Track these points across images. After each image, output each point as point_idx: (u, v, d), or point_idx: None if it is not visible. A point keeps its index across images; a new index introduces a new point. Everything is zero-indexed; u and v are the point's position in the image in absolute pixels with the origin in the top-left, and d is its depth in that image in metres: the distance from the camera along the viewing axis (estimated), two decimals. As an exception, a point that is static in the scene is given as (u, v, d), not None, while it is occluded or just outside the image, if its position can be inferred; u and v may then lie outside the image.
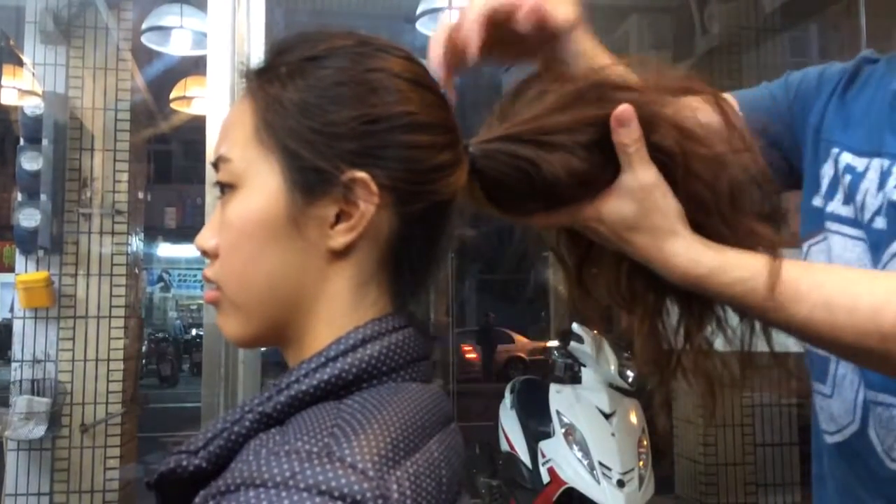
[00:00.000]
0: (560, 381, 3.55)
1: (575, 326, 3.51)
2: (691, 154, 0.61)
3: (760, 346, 0.64)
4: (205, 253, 0.61)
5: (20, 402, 3.45)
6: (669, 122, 0.62)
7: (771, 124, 0.94)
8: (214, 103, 1.81)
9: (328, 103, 0.56)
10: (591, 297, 0.72)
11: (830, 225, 0.89)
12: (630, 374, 3.34)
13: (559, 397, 3.36)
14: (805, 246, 0.94)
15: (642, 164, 0.61)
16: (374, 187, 0.55)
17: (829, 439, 0.92)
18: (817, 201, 0.92)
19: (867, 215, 0.84)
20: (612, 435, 3.12)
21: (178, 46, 3.89)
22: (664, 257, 0.62)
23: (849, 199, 0.87)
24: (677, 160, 0.62)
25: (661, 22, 4.65)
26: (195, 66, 4.13)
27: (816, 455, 0.98)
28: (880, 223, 0.82)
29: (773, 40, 4.47)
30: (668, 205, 0.62)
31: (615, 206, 0.63)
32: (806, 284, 0.61)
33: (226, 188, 0.59)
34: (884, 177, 0.82)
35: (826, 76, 0.95)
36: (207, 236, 0.60)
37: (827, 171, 0.90)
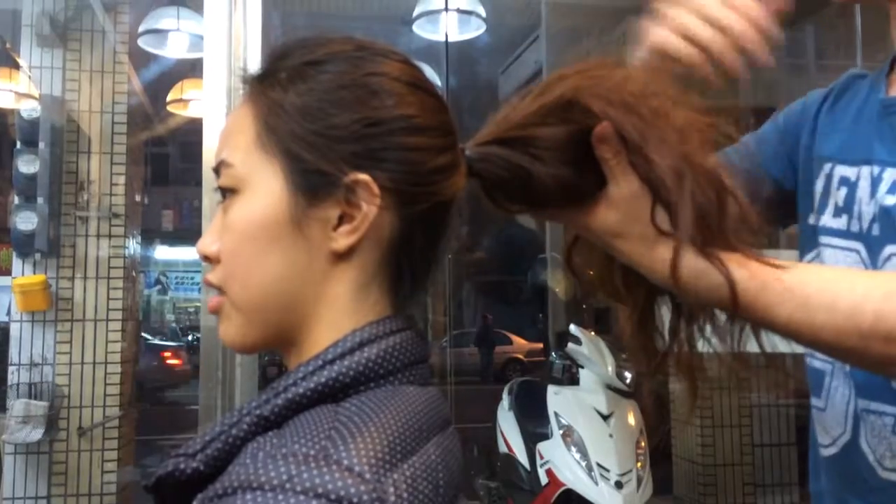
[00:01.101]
0: (558, 382, 3.55)
1: (572, 328, 3.51)
2: (672, 163, 0.62)
3: (751, 346, 0.64)
4: (206, 258, 0.61)
5: (17, 406, 3.44)
6: (650, 132, 0.62)
7: (768, 163, 0.97)
8: (211, 106, 1.81)
9: (330, 106, 0.57)
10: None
11: (822, 238, 0.90)
12: (628, 375, 3.34)
13: (557, 399, 3.36)
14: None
15: (624, 176, 0.62)
16: (375, 189, 0.56)
17: (825, 452, 0.93)
18: (812, 219, 0.93)
19: (865, 224, 0.84)
20: (610, 436, 3.12)
21: (174, 49, 3.89)
22: (649, 263, 0.63)
23: (841, 210, 0.88)
24: (659, 169, 0.62)
25: (657, 23, 4.64)
26: (192, 68, 4.13)
27: (814, 471, 0.98)
28: (876, 230, 0.83)
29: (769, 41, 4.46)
30: (650, 213, 0.63)
31: (601, 215, 0.64)
32: (787, 284, 0.61)
33: (227, 193, 0.59)
34: (874, 183, 0.83)
35: (809, 101, 0.98)
36: (209, 241, 0.61)
37: (819, 187, 0.91)
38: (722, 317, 0.64)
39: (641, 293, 0.68)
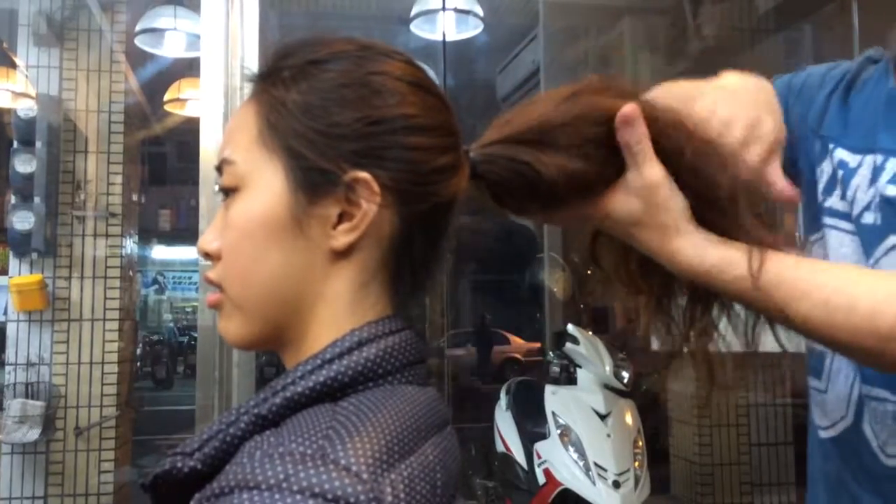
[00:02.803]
0: (555, 382, 3.55)
1: (570, 327, 3.51)
2: (695, 152, 0.62)
3: (763, 346, 0.65)
4: (207, 255, 0.61)
5: (14, 406, 3.44)
6: (672, 121, 0.63)
7: None
8: (208, 105, 1.81)
9: (331, 105, 0.57)
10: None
11: (827, 220, 0.90)
12: (625, 374, 3.34)
13: (554, 398, 3.35)
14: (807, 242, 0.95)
15: (647, 163, 0.62)
16: (376, 187, 0.56)
17: (823, 434, 0.93)
18: (817, 198, 0.93)
19: (856, 210, 0.85)
20: (608, 436, 3.12)
21: (171, 48, 3.89)
22: (669, 253, 0.63)
23: (843, 194, 0.88)
24: (682, 158, 0.62)
25: (654, 23, 4.65)
26: (189, 68, 4.13)
27: (811, 452, 0.98)
28: (869, 218, 0.83)
29: (767, 41, 4.47)
30: (673, 202, 0.63)
31: (621, 204, 0.64)
32: (806, 282, 0.61)
33: (229, 191, 0.59)
34: (876, 172, 0.83)
35: (829, 76, 0.96)
36: (209, 239, 0.61)
37: (826, 168, 0.91)
38: (738, 309, 0.65)
39: (657, 282, 0.68)
